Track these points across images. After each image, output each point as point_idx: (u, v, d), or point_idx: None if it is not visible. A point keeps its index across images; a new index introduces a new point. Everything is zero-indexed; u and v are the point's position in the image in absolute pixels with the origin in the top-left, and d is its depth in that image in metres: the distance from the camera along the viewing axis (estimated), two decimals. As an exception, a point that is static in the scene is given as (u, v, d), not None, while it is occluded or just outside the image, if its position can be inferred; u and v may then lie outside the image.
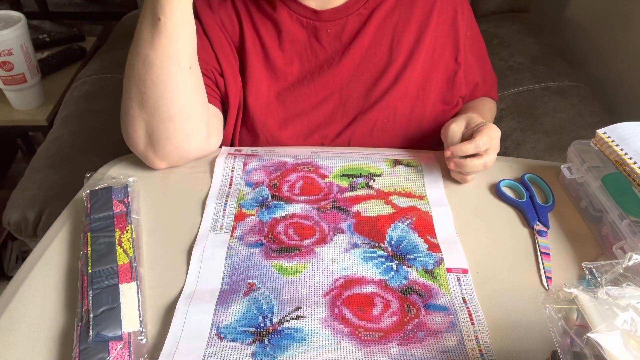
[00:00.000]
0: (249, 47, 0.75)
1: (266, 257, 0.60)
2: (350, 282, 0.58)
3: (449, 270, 0.59)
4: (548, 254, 0.62)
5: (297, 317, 0.54)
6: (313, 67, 0.77)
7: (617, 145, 0.63)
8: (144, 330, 0.52)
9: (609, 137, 0.65)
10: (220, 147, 0.77)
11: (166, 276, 0.58)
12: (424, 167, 0.74)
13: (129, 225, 0.61)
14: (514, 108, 1.12)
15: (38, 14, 2.54)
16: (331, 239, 0.63)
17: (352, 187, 0.70)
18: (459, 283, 0.58)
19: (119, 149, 0.74)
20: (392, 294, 0.56)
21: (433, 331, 0.53)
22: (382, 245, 0.62)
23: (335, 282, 0.58)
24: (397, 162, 0.74)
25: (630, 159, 0.61)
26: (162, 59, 0.64)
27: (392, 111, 0.77)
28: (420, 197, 0.69)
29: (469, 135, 0.69)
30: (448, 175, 0.72)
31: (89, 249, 0.58)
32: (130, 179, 0.68)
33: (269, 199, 0.68)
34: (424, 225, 0.65)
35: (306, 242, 0.62)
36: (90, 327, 0.50)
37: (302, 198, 0.68)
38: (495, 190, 0.71)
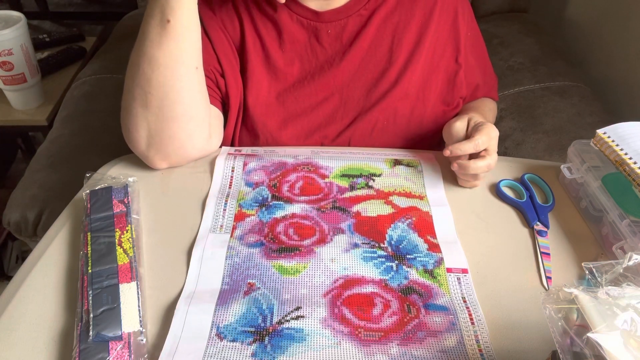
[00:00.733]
0: (250, 48, 0.75)
1: (266, 257, 0.60)
2: (350, 282, 0.58)
3: (449, 270, 0.59)
4: (548, 254, 0.62)
5: (297, 317, 0.54)
6: (313, 68, 0.77)
7: (617, 145, 0.63)
8: (144, 330, 0.52)
9: (609, 137, 0.65)
10: (221, 147, 0.77)
11: (166, 276, 0.58)
12: (424, 167, 0.74)
13: (129, 225, 0.61)
14: (514, 108, 1.12)
15: (38, 14, 2.54)
16: (331, 239, 0.63)
17: (352, 187, 0.70)
18: (459, 283, 0.58)
19: (119, 149, 0.74)
20: (392, 294, 0.56)
21: (433, 331, 0.53)
22: (382, 245, 0.62)
23: (335, 282, 0.58)
24: (397, 162, 0.74)
25: (630, 159, 0.61)
26: (169, 60, 0.64)
27: (392, 112, 0.77)
28: (420, 197, 0.69)
29: (468, 135, 0.69)
30: (448, 176, 0.72)
31: (89, 249, 0.58)
32: (130, 179, 0.68)
33: (269, 199, 0.68)
34: (424, 225, 0.65)
35: (306, 242, 0.62)
36: (90, 327, 0.50)
37: (302, 198, 0.68)
38: (495, 190, 0.71)
